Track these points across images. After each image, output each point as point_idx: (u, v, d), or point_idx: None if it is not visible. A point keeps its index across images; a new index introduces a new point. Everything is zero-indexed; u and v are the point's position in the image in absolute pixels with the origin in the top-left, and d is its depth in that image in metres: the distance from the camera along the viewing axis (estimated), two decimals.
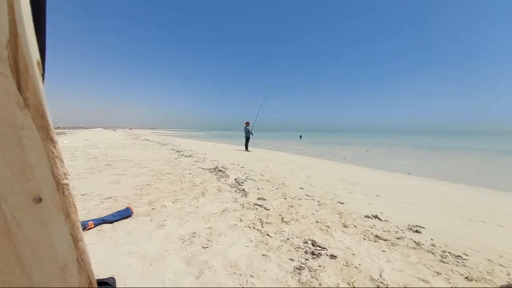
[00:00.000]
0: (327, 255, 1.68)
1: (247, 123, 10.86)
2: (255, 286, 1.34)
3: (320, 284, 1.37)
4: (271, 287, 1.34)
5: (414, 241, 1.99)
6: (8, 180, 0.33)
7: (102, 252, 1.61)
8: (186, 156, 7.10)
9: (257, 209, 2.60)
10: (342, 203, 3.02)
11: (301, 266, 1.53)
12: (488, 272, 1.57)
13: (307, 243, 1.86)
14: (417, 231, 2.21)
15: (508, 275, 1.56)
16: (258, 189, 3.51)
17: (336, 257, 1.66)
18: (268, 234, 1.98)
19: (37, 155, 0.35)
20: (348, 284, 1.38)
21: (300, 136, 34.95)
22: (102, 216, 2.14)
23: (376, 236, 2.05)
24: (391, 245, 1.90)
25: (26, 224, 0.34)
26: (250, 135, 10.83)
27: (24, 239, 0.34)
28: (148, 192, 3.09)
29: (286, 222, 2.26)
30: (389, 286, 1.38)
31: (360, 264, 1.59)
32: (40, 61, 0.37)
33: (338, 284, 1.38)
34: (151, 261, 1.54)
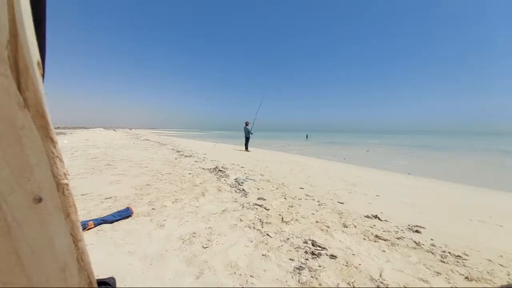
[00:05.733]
0: (327, 255, 1.68)
1: (247, 123, 10.85)
2: (255, 286, 1.34)
3: (320, 284, 1.37)
4: (271, 287, 1.34)
5: (414, 241, 1.99)
6: (8, 180, 0.33)
7: (102, 252, 1.61)
8: (186, 156, 7.10)
9: (257, 209, 2.60)
10: (342, 203, 3.02)
11: (301, 266, 1.53)
12: (488, 272, 1.57)
13: (307, 243, 1.86)
14: (417, 231, 2.21)
15: (508, 275, 1.56)
16: (258, 189, 3.51)
17: (336, 257, 1.66)
18: (268, 234, 1.98)
19: (37, 155, 0.35)
20: (348, 284, 1.38)
21: (307, 136, 34.70)
22: (102, 216, 2.14)
23: (376, 236, 2.05)
24: (391, 245, 1.90)
25: (26, 224, 0.34)
26: (250, 135, 10.83)
27: (24, 239, 0.34)
28: (148, 192, 3.09)
29: (286, 222, 2.26)
30: (389, 286, 1.38)
31: (360, 264, 1.59)
32: (40, 61, 0.37)
33: (338, 284, 1.38)
34: (151, 261, 1.54)
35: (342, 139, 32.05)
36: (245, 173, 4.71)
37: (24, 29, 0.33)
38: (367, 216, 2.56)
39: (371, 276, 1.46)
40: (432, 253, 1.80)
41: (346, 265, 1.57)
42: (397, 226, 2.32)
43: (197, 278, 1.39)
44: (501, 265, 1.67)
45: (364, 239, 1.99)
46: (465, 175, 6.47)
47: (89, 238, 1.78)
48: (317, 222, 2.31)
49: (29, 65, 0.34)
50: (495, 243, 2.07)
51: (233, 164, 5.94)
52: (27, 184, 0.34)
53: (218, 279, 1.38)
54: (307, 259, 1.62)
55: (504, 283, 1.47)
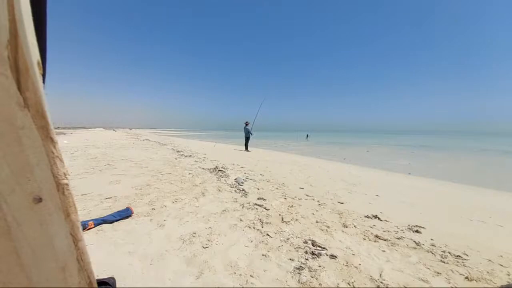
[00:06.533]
0: (327, 255, 1.68)
1: (247, 123, 10.85)
2: (255, 286, 1.34)
3: (320, 284, 1.37)
4: (271, 287, 1.34)
5: (414, 241, 1.99)
6: (8, 180, 0.33)
7: (102, 252, 1.61)
8: (186, 156, 7.10)
9: (257, 209, 2.60)
10: (342, 203, 3.02)
11: (301, 266, 1.53)
12: (488, 272, 1.57)
13: (307, 243, 1.86)
14: (417, 231, 2.21)
15: (508, 275, 1.56)
16: (258, 189, 3.51)
17: (336, 257, 1.66)
18: (268, 234, 1.98)
19: (37, 155, 0.35)
20: (348, 284, 1.38)
21: (307, 136, 34.33)
22: (102, 216, 2.14)
23: (376, 236, 2.05)
24: (391, 245, 1.90)
25: (26, 224, 0.34)
26: (250, 135, 10.83)
27: (24, 239, 0.34)
28: (148, 192, 3.09)
29: (286, 222, 2.26)
30: (389, 286, 1.38)
31: (360, 264, 1.59)
32: (40, 61, 0.37)
33: (338, 284, 1.38)
34: (151, 261, 1.54)
35: (342, 139, 32.05)
36: (245, 173, 4.71)
37: (24, 29, 0.33)
38: (367, 216, 2.56)
39: (371, 276, 1.46)
40: (432, 253, 1.80)
41: (346, 265, 1.57)
42: (397, 226, 2.32)
43: (197, 278, 1.39)
44: (501, 265, 1.68)
45: (364, 239, 1.99)
46: (465, 175, 6.47)
47: (89, 238, 1.78)
48: (317, 222, 2.31)
49: (29, 65, 0.34)
50: (495, 243, 2.07)
51: (233, 164, 5.94)
52: (27, 184, 0.34)
53: (218, 279, 1.38)
54: (307, 259, 1.62)
55: (504, 283, 1.47)
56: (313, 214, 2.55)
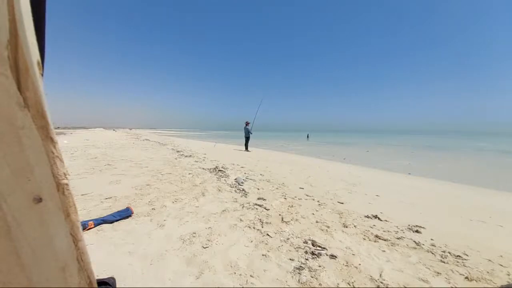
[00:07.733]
0: (327, 255, 1.68)
1: (247, 123, 10.85)
2: (255, 286, 1.34)
3: (320, 284, 1.37)
4: (271, 287, 1.34)
5: (414, 241, 1.99)
6: (8, 180, 0.33)
7: (102, 252, 1.61)
8: (186, 156, 7.10)
9: (257, 209, 2.60)
10: (342, 203, 3.02)
11: (301, 266, 1.53)
12: (488, 272, 1.57)
13: (307, 243, 1.86)
14: (417, 231, 2.21)
15: (508, 275, 1.56)
16: (258, 189, 3.51)
17: (336, 257, 1.66)
18: (268, 234, 1.98)
19: (37, 155, 0.35)
20: (348, 284, 1.38)
21: (308, 136, 34.26)
22: (102, 216, 2.14)
23: (376, 236, 2.05)
24: (391, 245, 1.90)
25: (26, 224, 0.34)
26: (250, 134, 10.83)
27: (24, 239, 0.34)
28: (148, 192, 3.09)
29: (286, 222, 2.26)
30: (389, 286, 1.38)
31: (360, 264, 1.59)
32: (40, 61, 0.37)
33: (338, 284, 1.38)
34: (151, 261, 1.54)
35: (342, 139, 32.03)
36: (245, 173, 4.71)
37: (24, 29, 0.33)
38: (367, 216, 2.56)
39: (371, 276, 1.46)
40: (432, 253, 1.80)
41: (346, 265, 1.57)
42: (397, 226, 2.32)
43: (197, 278, 1.39)
44: (501, 265, 1.68)
45: (364, 239, 1.99)
46: (465, 175, 6.47)
47: (89, 238, 1.78)
48: (317, 222, 2.31)
49: (29, 65, 0.34)
50: (495, 243, 2.07)
51: (233, 164, 5.94)
52: (27, 184, 0.34)
53: (218, 279, 1.38)
54: (307, 259, 1.62)
55: (504, 283, 1.47)
56: (313, 214, 2.55)
